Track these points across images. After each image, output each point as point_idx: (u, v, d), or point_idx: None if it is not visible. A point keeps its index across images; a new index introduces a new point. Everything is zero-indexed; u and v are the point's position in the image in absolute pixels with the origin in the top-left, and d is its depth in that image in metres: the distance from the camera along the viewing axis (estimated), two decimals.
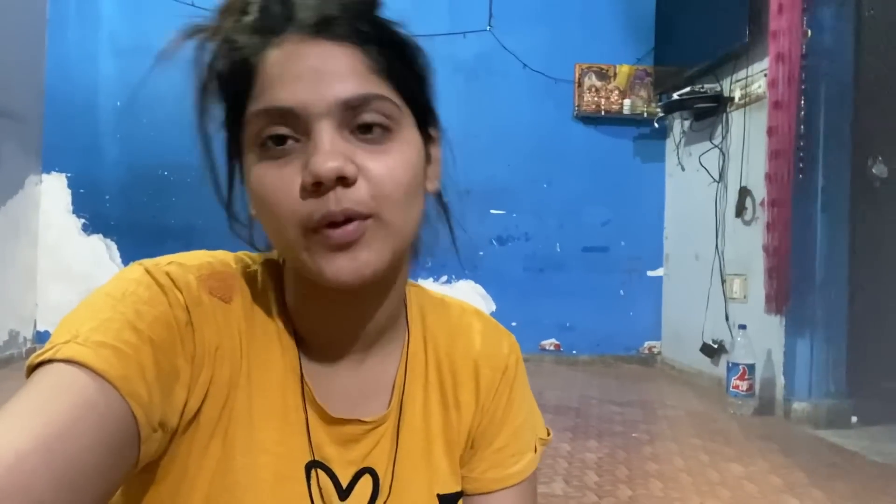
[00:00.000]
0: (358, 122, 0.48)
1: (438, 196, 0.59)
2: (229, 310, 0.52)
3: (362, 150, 0.48)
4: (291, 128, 0.48)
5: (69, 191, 4.17)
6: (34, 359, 0.42)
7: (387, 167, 0.49)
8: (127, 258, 4.12)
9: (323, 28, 0.48)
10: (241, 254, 0.57)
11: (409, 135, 0.51)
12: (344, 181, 0.47)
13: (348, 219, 0.47)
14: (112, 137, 4.18)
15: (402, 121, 0.51)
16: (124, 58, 4.15)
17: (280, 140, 0.48)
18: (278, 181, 0.48)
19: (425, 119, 0.55)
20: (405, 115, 0.51)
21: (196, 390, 0.48)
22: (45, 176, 4.14)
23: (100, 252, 4.17)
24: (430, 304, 0.65)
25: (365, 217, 0.48)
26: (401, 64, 0.51)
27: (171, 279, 0.49)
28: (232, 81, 0.49)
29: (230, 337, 0.51)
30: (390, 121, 0.49)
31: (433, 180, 0.57)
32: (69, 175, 4.17)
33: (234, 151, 0.53)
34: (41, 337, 4.07)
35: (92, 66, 4.16)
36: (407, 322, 0.62)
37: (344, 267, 0.48)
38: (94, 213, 4.18)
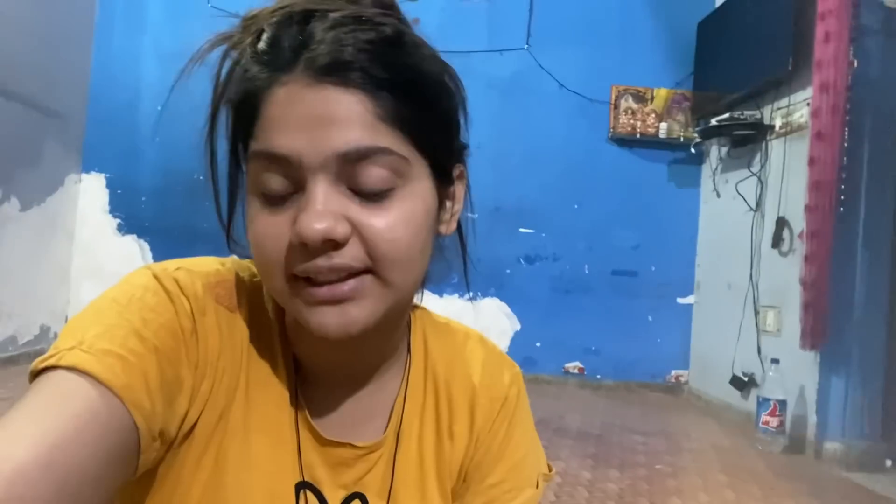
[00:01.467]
0: (357, 177, 0.45)
1: (458, 231, 0.57)
2: (234, 319, 0.51)
3: (359, 207, 0.45)
4: (286, 176, 0.45)
5: (107, 191, 4.27)
6: (38, 363, 0.42)
7: (385, 224, 0.45)
8: (159, 259, 4.12)
9: (332, 71, 0.44)
10: (248, 262, 0.56)
11: (417, 187, 0.47)
12: (332, 243, 0.44)
13: (340, 274, 0.45)
14: (151, 141, 4.26)
15: (409, 173, 0.47)
16: (167, 63, 4.24)
17: (277, 188, 0.46)
18: (269, 229, 0.46)
19: (445, 162, 0.51)
20: (415, 166, 0.47)
21: (197, 400, 0.48)
22: (84, 175, 4.24)
23: (133, 252, 4.24)
24: (434, 329, 0.63)
25: (359, 272, 0.45)
26: (418, 109, 0.47)
27: (179, 285, 0.48)
28: (239, 111, 0.48)
29: (233, 347, 0.51)
30: (395, 176, 0.46)
31: (450, 222, 0.54)
32: (108, 175, 4.27)
33: (237, 176, 0.52)
34: None
35: (135, 70, 4.27)
36: (409, 348, 0.60)
37: (330, 322, 0.46)
38: (130, 213, 4.27)
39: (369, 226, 0.45)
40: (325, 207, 0.44)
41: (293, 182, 0.45)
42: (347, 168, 0.44)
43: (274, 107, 0.45)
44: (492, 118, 4.21)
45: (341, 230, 0.44)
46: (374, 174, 0.45)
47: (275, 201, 0.46)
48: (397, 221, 0.46)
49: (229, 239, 0.54)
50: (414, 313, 0.62)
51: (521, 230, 4.35)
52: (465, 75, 0.54)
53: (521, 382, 0.64)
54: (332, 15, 0.45)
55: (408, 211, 0.46)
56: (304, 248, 0.44)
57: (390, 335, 0.55)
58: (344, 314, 0.46)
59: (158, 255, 4.24)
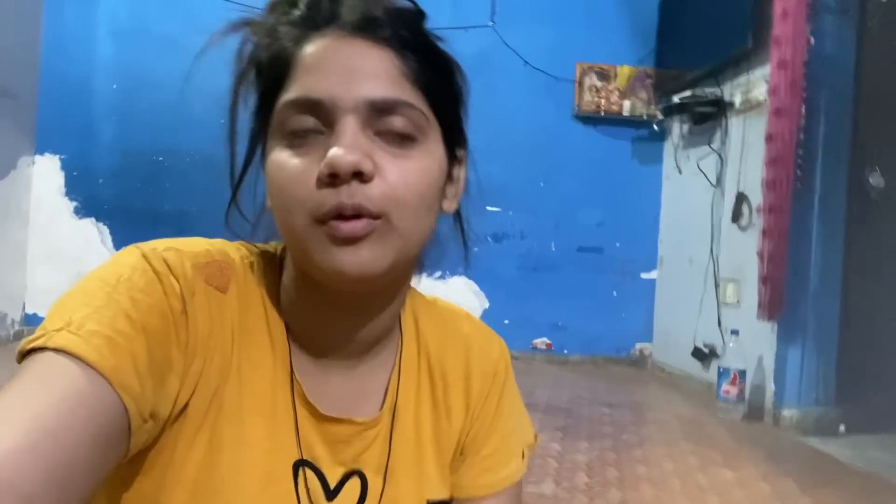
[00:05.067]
0: (382, 126, 0.48)
1: (457, 214, 0.60)
2: (224, 300, 0.51)
3: (383, 151, 0.48)
4: (319, 119, 0.48)
5: (62, 173, 4.13)
6: (26, 344, 0.42)
7: (404, 171, 0.48)
8: (119, 243, 4.08)
9: (364, 27, 0.49)
10: (238, 243, 0.56)
11: (433, 147, 0.51)
12: (360, 176, 0.46)
13: (358, 215, 0.47)
14: (107, 120, 4.13)
15: (428, 132, 0.50)
16: (122, 40, 4.11)
17: (305, 131, 0.48)
18: (296, 168, 0.47)
19: (454, 138, 0.55)
20: (432, 128, 0.51)
21: (188, 380, 0.48)
22: (38, 157, 4.10)
23: (91, 236, 4.13)
24: (423, 306, 0.64)
25: (374, 216, 0.47)
26: (437, 77, 0.52)
27: (168, 266, 0.48)
28: (269, 70, 0.50)
29: (223, 328, 0.50)
30: (416, 130, 0.49)
31: (452, 200, 0.57)
32: (63, 157, 4.13)
33: (259, 139, 0.52)
34: (29, 319, 4.03)
35: (89, 48, 4.11)
36: (400, 326, 0.61)
37: (347, 261, 0.47)
38: (87, 196, 4.14)
39: (390, 170, 0.48)
40: (355, 142, 0.47)
41: (322, 123, 0.48)
42: (374, 116, 0.48)
43: (308, 58, 0.49)
44: None
45: (368, 164, 0.47)
46: (398, 123, 0.49)
47: (301, 142, 0.48)
48: (415, 170, 0.49)
49: (234, 199, 0.55)
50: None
51: (488, 208, 4.37)
52: None
53: (508, 355, 0.67)
54: None
55: (426, 164, 0.50)
56: (331, 182, 0.46)
57: (391, 301, 0.56)
58: (358, 254, 0.47)
59: (118, 238, 4.14)
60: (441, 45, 0.54)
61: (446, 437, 0.61)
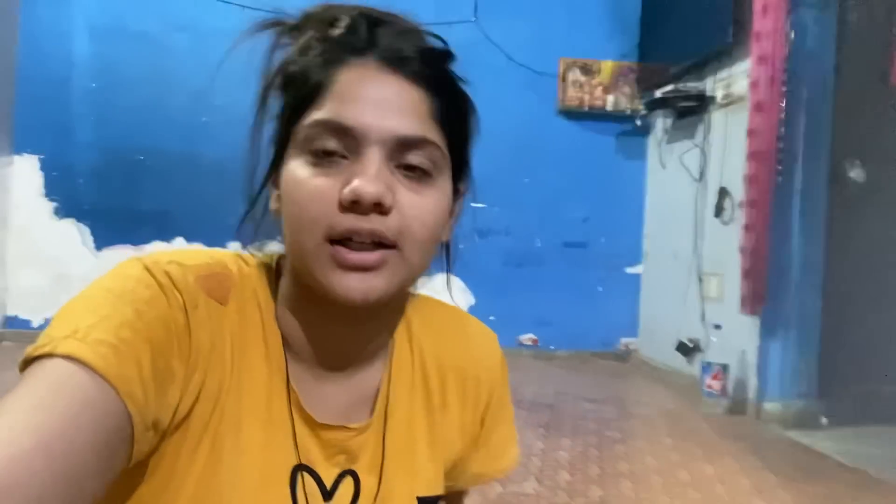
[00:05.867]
0: (405, 160, 0.51)
1: (446, 244, 0.62)
2: (224, 312, 0.53)
3: (402, 186, 0.51)
4: (344, 144, 0.50)
5: (41, 173, 4.08)
6: (32, 351, 0.43)
7: (420, 208, 0.51)
8: (100, 243, 4.03)
9: (401, 63, 0.51)
10: (235, 254, 0.58)
11: (444, 184, 0.54)
12: (380, 208, 0.48)
13: (374, 242, 0.49)
14: (86, 120, 4.08)
15: (443, 170, 0.53)
16: (99, 38, 4.05)
17: (330, 152, 0.50)
18: (316, 188, 0.49)
19: (460, 174, 0.57)
20: (446, 166, 0.54)
21: (188, 392, 0.49)
22: (16, 157, 4.04)
23: (72, 236, 4.08)
24: (414, 305, 0.65)
25: (389, 246, 0.50)
26: (457, 117, 0.55)
27: (171, 279, 0.49)
28: (299, 84, 0.52)
29: (223, 340, 0.52)
30: (433, 167, 0.52)
31: (447, 231, 0.59)
32: (41, 157, 4.08)
33: (278, 145, 0.54)
34: (10, 322, 3.98)
35: (66, 46, 4.06)
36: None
37: (354, 287, 0.49)
38: (67, 196, 4.09)
39: (408, 206, 0.50)
40: (379, 175, 0.49)
41: (346, 148, 0.50)
42: (399, 150, 0.50)
43: (345, 83, 0.50)
44: None
45: (389, 198, 0.49)
46: (419, 160, 0.51)
47: (324, 162, 0.50)
48: (429, 208, 0.52)
49: (251, 207, 0.56)
50: None
51: (473, 205, 4.34)
52: None
53: (499, 344, 0.70)
54: (400, 23, 0.53)
55: (438, 202, 0.53)
56: (351, 209, 0.48)
57: (389, 318, 0.59)
58: (366, 280, 0.50)
59: (99, 238, 4.09)
60: (462, 84, 0.56)
61: (444, 433, 0.63)
